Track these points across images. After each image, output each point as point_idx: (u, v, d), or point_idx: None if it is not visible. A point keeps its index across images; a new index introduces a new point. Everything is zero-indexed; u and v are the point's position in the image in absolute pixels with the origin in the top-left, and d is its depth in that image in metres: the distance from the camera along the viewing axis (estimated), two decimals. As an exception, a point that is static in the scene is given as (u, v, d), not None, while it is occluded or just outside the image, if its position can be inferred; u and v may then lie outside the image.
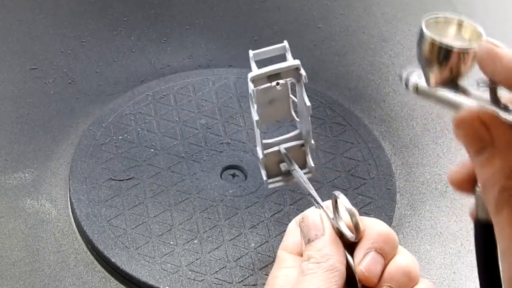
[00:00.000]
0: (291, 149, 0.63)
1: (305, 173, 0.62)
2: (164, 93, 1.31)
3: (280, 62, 0.65)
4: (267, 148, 0.61)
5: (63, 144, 1.26)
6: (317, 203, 0.58)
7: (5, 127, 1.27)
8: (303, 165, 0.63)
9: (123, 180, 1.18)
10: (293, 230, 0.56)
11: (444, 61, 0.45)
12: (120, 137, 1.23)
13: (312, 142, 0.62)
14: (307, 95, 0.63)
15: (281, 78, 0.62)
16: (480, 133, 0.41)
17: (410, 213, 1.21)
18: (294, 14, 1.52)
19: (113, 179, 1.18)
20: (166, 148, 1.22)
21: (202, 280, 1.07)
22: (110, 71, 1.38)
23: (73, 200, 1.15)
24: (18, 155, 1.24)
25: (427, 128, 1.33)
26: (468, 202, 1.31)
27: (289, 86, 0.63)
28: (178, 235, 1.11)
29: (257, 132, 0.60)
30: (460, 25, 0.48)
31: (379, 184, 1.20)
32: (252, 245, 1.11)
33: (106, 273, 1.10)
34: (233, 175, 1.20)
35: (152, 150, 1.22)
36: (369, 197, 1.18)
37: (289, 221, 1.12)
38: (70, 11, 1.48)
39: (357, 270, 0.51)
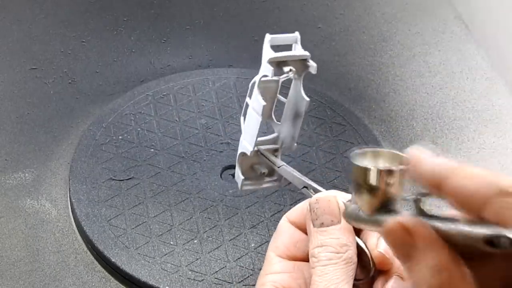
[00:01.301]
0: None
1: (271, 180, 0.62)
2: (164, 93, 1.31)
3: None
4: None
5: (63, 144, 1.26)
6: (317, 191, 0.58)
7: (5, 127, 1.27)
8: (270, 173, 0.64)
9: (123, 180, 1.18)
10: (285, 230, 0.56)
11: (373, 184, 0.47)
12: (120, 137, 1.23)
13: (295, 145, 0.62)
14: (307, 95, 0.63)
15: (288, 65, 0.63)
16: (404, 239, 0.44)
17: (410, 213, 1.21)
18: (294, 14, 1.52)
19: (113, 179, 1.18)
20: (166, 148, 1.22)
21: (202, 280, 1.07)
22: (110, 71, 1.38)
23: (73, 200, 1.15)
24: (18, 155, 1.24)
25: (427, 128, 1.33)
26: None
27: (279, 85, 0.63)
28: (178, 235, 1.11)
29: (258, 120, 0.60)
30: (388, 155, 0.49)
31: (379, 184, 1.20)
32: (252, 245, 1.11)
33: (106, 273, 1.10)
34: (233, 175, 1.19)
35: (152, 150, 1.22)
36: (369, 197, 1.18)
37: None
38: (70, 11, 1.48)
39: (375, 253, 0.53)
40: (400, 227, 0.44)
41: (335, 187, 1.19)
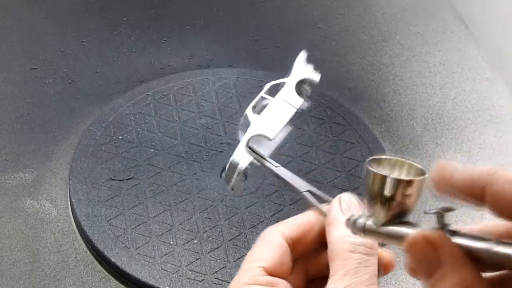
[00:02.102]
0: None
1: (230, 189, 0.61)
2: (164, 93, 1.31)
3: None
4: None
5: (63, 144, 1.26)
6: (318, 199, 0.57)
7: (5, 127, 1.27)
8: (228, 181, 0.63)
9: (123, 180, 1.18)
10: (278, 246, 0.52)
11: (391, 193, 0.45)
12: (120, 137, 1.23)
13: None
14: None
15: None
16: (429, 254, 0.42)
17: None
18: (294, 14, 1.52)
19: (113, 179, 1.18)
20: (166, 148, 1.22)
21: (202, 280, 1.07)
22: (110, 71, 1.38)
23: (73, 200, 1.15)
24: (18, 155, 1.24)
25: (427, 128, 1.33)
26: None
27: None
28: (178, 235, 1.11)
29: (291, 111, 0.59)
30: (403, 165, 0.48)
31: (379, 184, 1.20)
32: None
33: (106, 273, 1.10)
34: (233, 175, 1.20)
35: (152, 150, 1.22)
36: (369, 197, 1.18)
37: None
38: (70, 11, 1.48)
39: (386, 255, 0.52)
40: (425, 241, 0.42)
41: (335, 187, 1.19)
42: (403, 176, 0.46)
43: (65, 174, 1.20)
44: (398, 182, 0.45)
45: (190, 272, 1.07)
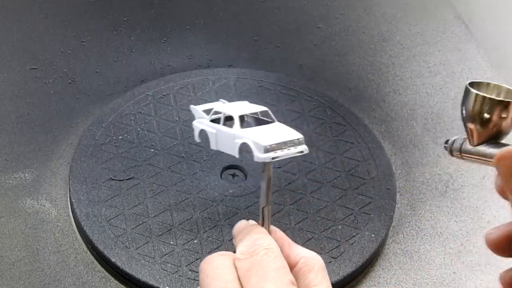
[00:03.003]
0: None
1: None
2: (164, 93, 1.31)
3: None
4: None
5: (63, 144, 1.26)
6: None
7: (5, 127, 1.27)
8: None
9: (123, 180, 1.18)
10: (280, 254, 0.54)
11: (489, 114, 0.48)
12: (120, 137, 1.23)
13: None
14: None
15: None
16: None
17: (410, 213, 1.21)
18: (294, 14, 1.52)
19: (113, 179, 1.18)
20: (166, 148, 1.22)
21: (202, 280, 1.07)
22: (110, 71, 1.38)
23: (73, 200, 1.15)
24: (18, 155, 1.24)
25: (427, 128, 1.33)
26: (468, 202, 1.31)
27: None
28: (178, 235, 1.11)
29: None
30: (500, 90, 0.51)
31: (379, 184, 1.20)
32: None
33: (106, 273, 1.10)
34: (233, 175, 1.20)
35: (152, 150, 1.22)
36: (369, 197, 1.18)
37: (289, 221, 1.12)
38: (70, 11, 1.48)
39: None
40: None
41: (335, 187, 1.19)
42: (503, 99, 0.48)
43: (65, 174, 1.20)
44: (496, 103, 0.48)
45: (190, 272, 1.07)
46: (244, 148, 0.59)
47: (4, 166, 1.22)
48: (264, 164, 0.58)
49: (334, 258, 1.10)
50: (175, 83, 1.32)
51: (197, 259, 1.09)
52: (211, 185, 1.18)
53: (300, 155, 0.58)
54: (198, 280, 1.11)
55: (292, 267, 0.53)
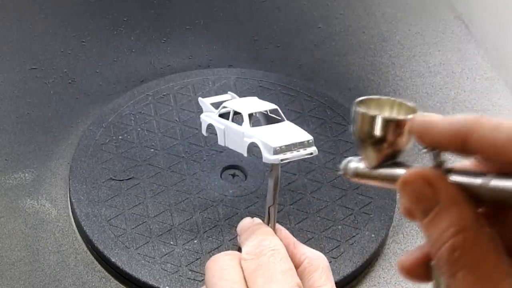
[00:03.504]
0: None
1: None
2: (164, 93, 1.31)
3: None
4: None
5: (63, 144, 1.26)
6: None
7: (5, 127, 1.27)
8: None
9: (123, 180, 1.18)
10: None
11: (380, 135, 0.44)
12: (120, 137, 1.23)
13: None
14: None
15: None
16: (425, 192, 0.41)
17: (410, 213, 1.21)
18: (294, 14, 1.52)
19: (113, 179, 1.18)
20: (166, 148, 1.22)
21: (202, 280, 1.07)
22: (110, 71, 1.38)
23: (73, 200, 1.15)
24: (18, 155, 1.24)
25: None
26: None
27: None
28: (178, 235, 1.11)
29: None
30: (393, 105, 0.46)
31: (379, 184, 1.20)
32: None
33: (106, 273, 1.10)
34: (233, 175, 1.20)
35: (152, 150, 1.22)
36: (369, 197, 1.18)
37: (289, 221, 1.12)
38: (70, 11, 1.48)
39: None
40: (421, 179, 0.41)
41: (335, 187, 1.19)
42: (394, 116, 0.44)
43: (65, 174, 1.20)
44: (388, 122, 0.44)
45: (190, 272, 1.07)
46: (253, 148, 0.59)
47: (4, 166, 1.22)
48: (272, 164, 0.58)
49: (334, 258, 1.10)
50: (175, 83, 1.32)
51: (197, 259, 1.09)
52: (211, 185, 1.18)
53: (309, 157, 0.58)
54: (198, 280, 1.11)
55: (296, 267, 0.53)
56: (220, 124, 0.62)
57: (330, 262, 1.09)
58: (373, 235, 1.14)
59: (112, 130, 1.24)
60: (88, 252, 1.12)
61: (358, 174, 0.47)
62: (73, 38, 1.43)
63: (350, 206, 1.17)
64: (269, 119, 0.61)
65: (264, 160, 0.57)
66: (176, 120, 1.27)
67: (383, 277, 1.14)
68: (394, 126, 0.44)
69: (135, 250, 1.09)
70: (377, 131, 0.44)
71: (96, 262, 1.11)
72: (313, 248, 0.56)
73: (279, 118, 0.61)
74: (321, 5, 1.54)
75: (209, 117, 0.64)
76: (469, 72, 1.44)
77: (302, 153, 0.56)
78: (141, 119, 1.26)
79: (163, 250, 1.10)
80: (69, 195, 1.16)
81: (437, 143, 0.43)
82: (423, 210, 0.41)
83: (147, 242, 1.10)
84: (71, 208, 1.16)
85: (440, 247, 0.39)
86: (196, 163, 1.21)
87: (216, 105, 0.64)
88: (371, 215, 1.16)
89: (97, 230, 1.11)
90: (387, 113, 0.45)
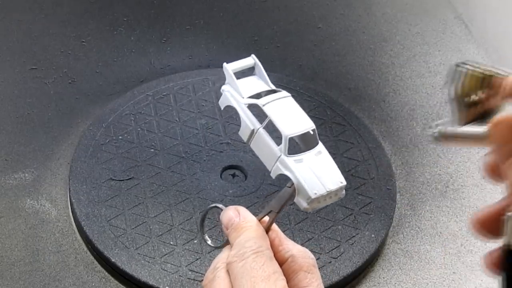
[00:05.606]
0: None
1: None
2: (164, 93, 1.31)
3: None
4: None
5: (63, 144, 1.26)
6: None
7: (5, 127, 1.27)
8: None
9: (123, 180, 1.18)
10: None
11: (479, 91, 0.47)
12: (120, 137, 1.23)
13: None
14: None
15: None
16: (510, 134, 0.43)
17: (410, 213, 1.21)
18: (294, 14, 1.52)
19: (113, 179, 1.18)
20: (166, 148, 1.22)
21: (202, 280, 1.07)
22: (110, 71, 1.38)
23: (73, 200, 1.15)
24: (18, 155, 1.24)
25: (427, 128, 1.33)
26: (468, 202, 1.31)
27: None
28: (178, 235, 1.11)
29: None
30: (485, 69, 0.49)
31: (379, 184, 1.20)
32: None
33: (106, 273, 1.10)
34: (233, 175, 1.20)
35: (152, 150, 1.22)
36: (369, 197, 1.18)
37: (289, 221, 1.12)
38: (70, 11, 1.48)
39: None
40: (508, 122, 0.43)
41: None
42: (497, 73, 0.47)
43: (65, 174, 1.20)
44: (486, 80, 0.46)
45: (190, 272, 1.07)
46: (286, 180, 0.57)
47: (4, 166, 1.22)
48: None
49: (334, 258, 1.10)
50: (175, 83, 1.32)
51: (197, 259, 1.09)
52: (211, 185, 1.18)
53: None
54: (198, 280, 1.11)
55: (280, 264, 0.53)
56: (249, 121, 0.59)
57: (330, 262, 1.10)
58: (373, 235, 1.14)
59: (112, 130, 1.24)
60: (88, 252, 1.12)
61: (450, 132, 0.49)
62: (73, 38, 1.43)
63: (350, 206, 1.17)
64: (303, 139, 0.58)
65: (295, 201, 0.56)
66: (176, 120, 1.27)
67: (383, 277, 1.14)
68: (490, 85, 0.46)
69: (135, 250, 1.09)
70: (477, 88, 0.46)
71: (96, 262, 1.11)
72: (313, 248, 0.56)
73: (314, 139, 0.58)
74: (321, 5, 1.54)
75: (234, 98, 0.61)
76: (469, 72, 1.44)
77: (333, 199, 0.55)
78: (141, 119, 1.26)
79: (163, 250, 1.10)
80: (69, 195, 1.16)
81: None
82: (508, 152, 0.42)
83: (147, 242, 1.10)
84: (71, 208, 1.16)
85: None
86: (196, 163, 1.21)
87: (238, 74, 0.62)
88: (371, 215, 1.16)
89: (97, 230, 1.11)
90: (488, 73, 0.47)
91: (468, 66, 0.48)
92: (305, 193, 0.54)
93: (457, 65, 0.48)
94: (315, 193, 0.54)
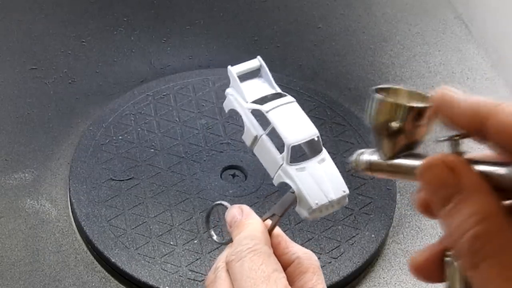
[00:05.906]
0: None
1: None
2: (164, 93, 1.30)
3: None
4: None
5: (63, 144, 1.26)
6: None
7: (5, 127, 1.27)
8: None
9: (123, 180, 1.18)
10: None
11: (401, 123, 0.42)
12: (120, 137, 1.23)
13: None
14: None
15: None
16: (446, 178, 0.39)
17: (410, 213, 1.21)
18: (294, 14, 1.52)
19: (113, 179, 1.18)
20: (166, 148, 1.22)
21: (202, 280, 1.07)
22: (110, 71, 1.38)
23: (73, 200, 1.15)
24: (18, 155, 1.24)
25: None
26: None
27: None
28: (178, 235, 1.11)
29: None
30: (410, 94, 0.44)
31: (379, 184, 1.20)
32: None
33: (106, 273, 1.10)
34: (233, 175, 1.20)
35: (152, 150, 1.22)
36: (369, 197, 1.18)
37: (289, 221, 1.12)
38: (70, 11, 1.48)
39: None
40: (443, 164, 0.39)
41: (335, 187, 1.18)
42: (415, 104, 0.42)
43: (65, 174, 1.20)
44: (410, 109, 0.42)
45: (190, 272, 1.07)
46: (287, 189, 0.57)
47: (4, 166, 1.22)
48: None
49: (334, 258, 1.10)
50: (175, 83, 1.32)
51: (197, 259, 1.09)
52: (211, 185, 1.18)
53: None
54: (198, 280, 1.11)
55: (286, 266, 0.53)
56: (253, 127, 0.59)
57: (330, 262, 1.10)
58: (373, 235, 1.14)
59: (112, 130, 1.24)
60: (88, 252, 1.12)
61: (372, 166, 0.44)
62: (73, 38, 1.43)
63: (350, 206, 1.17)
64: (308, 147, 0.58)
65: (296, 210, 0.56)
66: (176, 120, 1.27)
67: (383, 277, 1.14)
68: (414, 114, 0.42)
69: (135, 250, 1.09)
70: (397, 119, 0.42)
71: (96, 262, 1.11)
72: (313, 248, 0.56)
73: (318, 146, 0.58)
74: (321, 5, 1.54)
75: (237, 102, 0.61)
76: (469, 72, 1.44)
77: (335, 208, 0.55)
78: (141, 119, 1.26)
79: (163, 250, 1.10)
80: (69, 195, 1.16)
81: (456, 120, 0.41)
82: (443, 198, 0.38)
83: (147, 242, 1.10)
84: (71, 208, 1.16)
85: (460, 236, 0.37)
86: (196, 163, 1.21)
87: (243, 77, 0.62)
88: (371, 215, 1.16)
89: (97, 230, 1.11)
90: (405, 101, 0.43)
91: (380, 96, 0.43)
92: (306, 203, 0.54)
93: (375, 90, 0.43)
94: (316, 203, 0.54)
